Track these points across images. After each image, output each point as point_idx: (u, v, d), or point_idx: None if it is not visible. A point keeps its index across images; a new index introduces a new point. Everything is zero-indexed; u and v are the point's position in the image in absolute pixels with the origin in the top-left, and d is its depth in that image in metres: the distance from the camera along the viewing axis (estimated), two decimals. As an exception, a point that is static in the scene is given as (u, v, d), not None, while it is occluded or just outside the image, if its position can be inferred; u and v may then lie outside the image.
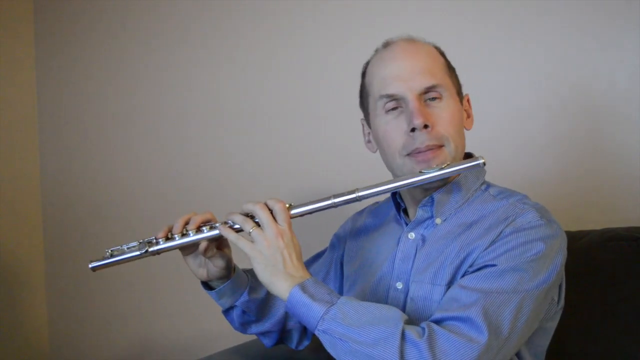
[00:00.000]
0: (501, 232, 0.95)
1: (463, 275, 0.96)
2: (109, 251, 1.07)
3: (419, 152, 1.00)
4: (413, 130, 0.99)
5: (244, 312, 1.16)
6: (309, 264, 1.29)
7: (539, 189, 1.49)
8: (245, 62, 1.90)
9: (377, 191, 0.99)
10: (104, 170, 2.13)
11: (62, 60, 2.20)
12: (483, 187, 1.06)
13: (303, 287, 0.92)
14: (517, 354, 0.98)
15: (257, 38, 1.87)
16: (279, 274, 0.94)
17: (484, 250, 0.95)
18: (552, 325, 1.04)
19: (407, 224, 1.07)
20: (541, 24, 1.50)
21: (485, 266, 0.93)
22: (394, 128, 1.02)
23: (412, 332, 0.86)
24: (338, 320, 0.89)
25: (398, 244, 1.07)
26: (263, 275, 0.96)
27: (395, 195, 1.11)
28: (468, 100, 1.11)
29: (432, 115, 1.00)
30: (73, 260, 2.19)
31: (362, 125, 1.14)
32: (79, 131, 2.18)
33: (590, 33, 1.46)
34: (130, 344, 2.11)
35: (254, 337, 1.53)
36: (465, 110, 1.09)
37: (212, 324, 1.95)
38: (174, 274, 1.99)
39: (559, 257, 0.95)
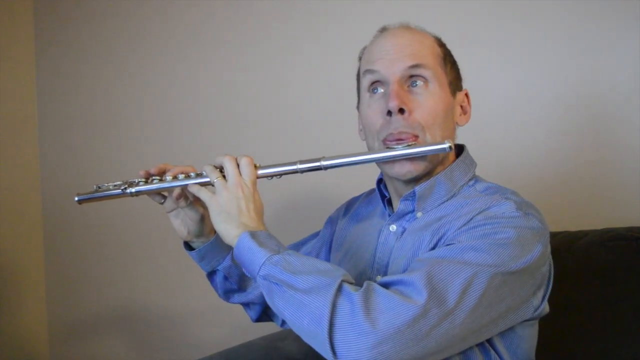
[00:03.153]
0: (472, 218, 0.92)
1: None
2: (96, 186, 1.11)
3: (392, 139, 0.97)
4: (390, 113, 0.96)
5: (226, 278, 1.16)
6: (303, 243, 1.29)
7: (538, 189, 1.49)
8: (242, 61, 1.90)
9: (342, 162, 0.98)
10: (104, 170, 2.13)
11: (62, 60, 2.20)
12: (471, 182, 1.03)
13: (252, 234, 0.91)
14: (499, 356, 0.95)
15: (252, 38, 1.88)
16: (233, 222, 0.94)
17: (452, 233, 0.92)
18: (531, 332, 0.99)
19: (390, 215, 1.06)
20: (541, 24, 1.50)
21: (447, 245, 0.90)
22: (374, 110, 1.00)
23: (349, 286, 0.83)
24: (279, 266, 0.87)
25: (379, 236, 1.05)
26: (216, 221, 0.95)
27: (380, 185, 1.09)
28: (467, 95, 1.07)
29: (412, 101, 0.97)
30: (73, 260, 2.19)
31: (358, 110, 1.11)
32: (79, 131, 2.18)
33: (591, 33, 1.46)
34: (130, 346, 2.11)
35: (253, 337, 1.54)
36: (460, 105, 1.05)
37: (213, 325, 1.95)
38: (176, 275, 1.99)
39: (534, 252, 0.89)
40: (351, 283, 0.86)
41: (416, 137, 0.97)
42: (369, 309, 0.79)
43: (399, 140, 0.97)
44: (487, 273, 0.84)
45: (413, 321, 0.79)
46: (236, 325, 1.86)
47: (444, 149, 0.93)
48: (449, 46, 1.07)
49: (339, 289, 0.82)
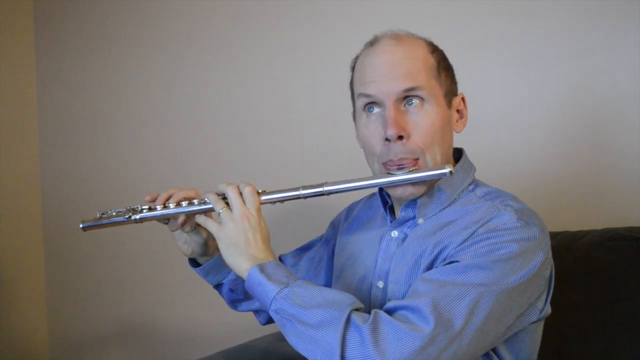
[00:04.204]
0: (474, 232, 0.92)
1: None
2: (99, 213, 1.12)
3: (392, 165, 0.98)
4: (388, 140, 0.97)
5: (231, 290, 1.19)
6: (306, 248, 1.30)
7: (538, 189, 1.49)
8: (245, 65, 1.90)
9: (344, 188, 1.00)
10: (104, 170, 2.13)
11: (62, 60, 2.20)
12: (471, 187, 1.03)
13: (262, 268, 0.93)
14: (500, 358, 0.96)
15: (251, 46, 1.88)
16: (242, 255, 0.96)
17: (455, 248, 0.93)
18: (534, 335, 1.00)
19: (392, 222, 1.06)
20: (541, 24, 1.50)
21: (451, 262, 0.91)
22: (372, 133, 0.99)
23: (357, 317, 0.85)
24: (289, 300, 0.88)
25: (381, 242, 1.06)
26: (226, 254, 0.97)
27: (382, 191, 1.09)
28: (463, 99, 1.06)
29: (409, 124, 0.97)
30: (73, 260, 2.19)
31: (353, 119, 1.11)
32: (79, 131, 2.18)
33: (591, 34, 1.46)
34: (129, 347, 2.11)
35: (253, 337, 1.54)
36: (457, 110, 1.05)
37: (213, 325, 1.95)
38: (176, 277, 1.99)
39: (536, 261, 0.90)
40: (359, 309, 0.88)
41: (416, 160, 0.97)
42: (377, 341, 0.82)
43: (400, 166, 0.97)
44: (492, 293, 0.86)
45: (421, 349, 0.81)
46: (236, 325, 1.86)
47: (444, 173, 0.95)
48: (446, 49, 1.06)
49: (348, 321, 0.84)
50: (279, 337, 1.48)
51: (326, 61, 1.76)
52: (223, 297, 1.23)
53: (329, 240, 1.26)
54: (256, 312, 1.25)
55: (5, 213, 2.11)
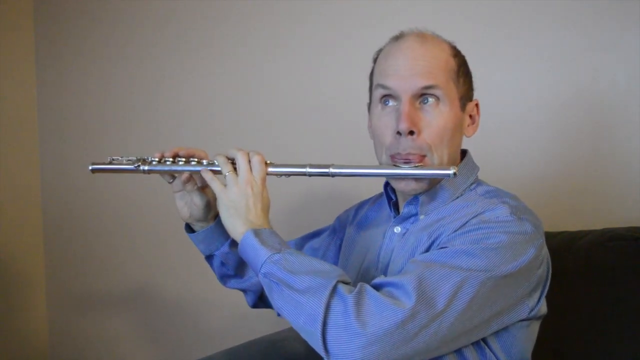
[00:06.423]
0: (467, 222, 0.95)
1: None
2: (110, 158, 1.14)
3: (400, 158, 1.00)
4: (399, 133, 0.99)
5: (222, 263, 1.19)
6: (308, 238, 1.31)
7: (539, 189, 1.49)
8: (242, 61, 1.89)
9: (350, 172, 1.02)
10: (104, 170, 2.13)
11: (62, 60, 2.20)
12: (472, 186, 1.05)
13: (256, 232, 0.95)
14: (494, 354, 0.96)
15: (255, 35, 1.87)
16: (240, 218, 0.97)
17: (447, 235, 0.95)
18: (527, 333, 1.00)
19: (395, 217, 1.08)
20: (541, 24, 1.50)
21: (441, 248, 0.93)
22: (385, 124, 1.02)
23: (344, 288, 0.87)
24: (279, 265, 0.90)
25: (384, 237, 1.08)
26: (224, 216, 0.99)
27: (387, 187, 1.11)
28: (477, 105, 1.09)
29: (422, 121, 0.99)
30: (73, 260, 2.19)
31: (368, 110, 1.13)
32: (79, 131, 2.18)
33: (590, 33, 1.46)
34: (130, 346, 2.11)
35: (253, 337, 1.54)
36: (470, 115, 1.07)
37: (214, 324, 1.95)
38: (178, 277, 1.99)
39: (526, 256, 0.91)
40: (347, 283, 0.89)
41: (423, 156, 1.00)
42: (360, 311, 0.83)
43: (407, 160, 0.99)
44: (477, 278, 0.87)
45: (401, 323, 0.82)
46: (237, 324, 1.86)
47: (448, 174, 0.96)
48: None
49: (334, 290, 0.86)
50: (279, 338, 1.48)
51: (339, 58, 1.76)
52: (214, 270, 1.23)
53: (336, 233, 1.28)
54: (244, 292, 1.25)
55: (5, 212, 2.11)
